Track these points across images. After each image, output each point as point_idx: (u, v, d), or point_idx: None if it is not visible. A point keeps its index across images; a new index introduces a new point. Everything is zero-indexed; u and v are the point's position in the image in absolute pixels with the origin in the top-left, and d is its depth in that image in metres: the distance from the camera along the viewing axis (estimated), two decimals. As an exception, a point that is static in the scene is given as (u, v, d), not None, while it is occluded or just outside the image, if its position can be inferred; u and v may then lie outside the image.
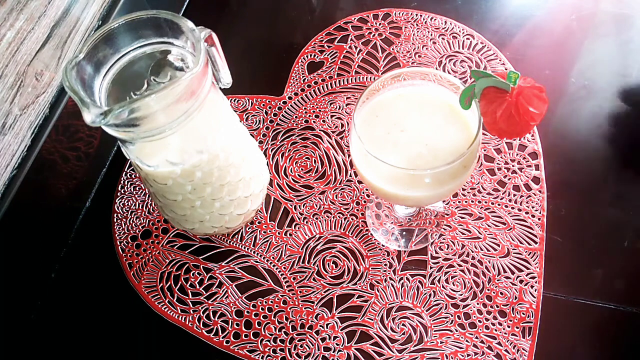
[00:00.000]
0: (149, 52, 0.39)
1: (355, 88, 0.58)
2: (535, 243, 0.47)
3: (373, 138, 0.38)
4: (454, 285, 0.46)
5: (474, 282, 0.46)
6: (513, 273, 0.46)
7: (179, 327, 0.47)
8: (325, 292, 0.47)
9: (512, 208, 0.49)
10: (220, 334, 0.46)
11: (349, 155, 0.54)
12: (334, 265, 0.48)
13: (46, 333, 0.49)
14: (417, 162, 0.37)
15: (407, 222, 0.49)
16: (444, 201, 0.49)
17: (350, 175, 0.52)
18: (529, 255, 0.46)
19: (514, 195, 0.49)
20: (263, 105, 0.58)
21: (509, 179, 0.50)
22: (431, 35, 0.60)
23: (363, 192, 0.51)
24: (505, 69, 0.52)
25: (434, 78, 0.39)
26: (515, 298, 0.44)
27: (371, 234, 0.49)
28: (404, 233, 0.49)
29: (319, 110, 0.57)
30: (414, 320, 0.45)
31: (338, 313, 0.46)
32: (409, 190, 0.36)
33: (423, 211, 0.49)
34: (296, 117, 0.57)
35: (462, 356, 0.43)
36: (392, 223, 0.49)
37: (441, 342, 0.44)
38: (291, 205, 0.52)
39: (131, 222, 0.53)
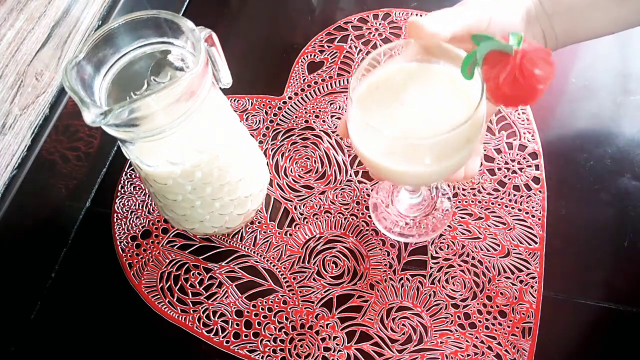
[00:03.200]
0: (149, 52, 0.39)
1: (355, 88, 0.58)
2: (535, 243, 0.47)
3: (371, 112, 0.36)
4: (454, 285, 0.46)
5: (474, 282, 0.46)
6: (513, 273, 0.46)
7: (179, 327, 0.47)
8: (325, 292, 0.47)
9: (512, 208, 0.49)
10: (220, 334, 0.46)
11: (350, 155, 0.54)
12: (334, 265, 0.48)
13: (46, 333, 0.49)
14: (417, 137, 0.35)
15: (413, 215, 0.49)
16: (449, 199, 0.49)
17: (350, 175, 0.52)
18: (529, 255, 0.46)
19: (514, 195, 0.49)
20: (263, 105, 0.58)
21: (509, 179, 0.50)
22: (431, 35, 0.60)
23: (363, 192, 0.51)
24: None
25: (436, 50, 0.36)
26: (515, 298, 0.44)
27: (373, 223, 0.49)
28: (409, 225, 0.48)
29: (319, 110, 0.57)
30: (414, 320, 0.45)
31: (338, 313, 0.46)
32: (409, 165, 0.35)
33: (430, 206, 0.49)
34: (296, 117, 0.57)
35: (462, 356, 0.43)
36: (396, 215, 0.49)
37: (441, 342, 0.44)
38: (291, 205, 0.52)
39: (131, 222, 0.53)
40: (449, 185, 0.50)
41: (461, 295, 0.45)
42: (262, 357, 0.45)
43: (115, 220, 0.53)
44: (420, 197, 0.49)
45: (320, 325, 0.45)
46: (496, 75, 0.31)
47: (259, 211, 0.52)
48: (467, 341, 0.43)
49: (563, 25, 0.39)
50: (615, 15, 0.38)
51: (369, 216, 0.50)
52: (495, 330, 0.44)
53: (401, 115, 0.35)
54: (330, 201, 0.51)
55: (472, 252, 0.47)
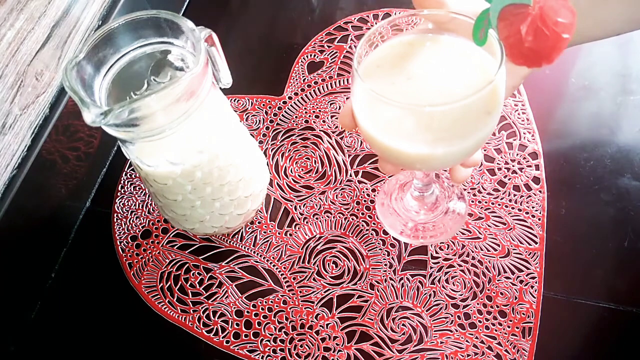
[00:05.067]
0: (149, 52, 0.39)
1: (355, 88, 0.58)
2: (535, 243, 0.47)
3: (377, 88, 0.32)
4: (454, 285, 0.46)
5: (474, 282, 0.46)
6: (513, 273, 0.46)
7: (179, 327, 0.47)
8: (325, 292, 0.47)
9: (512, 208, 0.49)
10: (220, 334, 0.46)
11: (350, 155, 0.54)
12: (334, 265, 0.48)
13: (46, 333, 0.49)
14: None
15: (423, 217, 0.48)
16: (463, 201, 0.49)
17: (350, 175, 0.52)
18: (529, 255, 0.46)
19: (514, 195, 0.49)
20: (263, 105, 0.58)
21: (509, 179, 0.50)
22: (431, 35, 0.60)
23: (363, 192, 0.51)
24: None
25: (442, 22, 0.33)
26: (516, 298, 0.44)
27: (380, 223, 0.49)
28: (417, 227, 0.48)
29: (319, 111, 0.57)
30: (414, 321, 0.45)
31: (338, 313, 0.46)
32: (422, 145, 0.31)
33: (442, 208, 0.49)
34: (296, 117, 0.57)
35: (462, 356, 0.43)
36: (405, 215, 0.48)
37: (441, 342, 0.44)
38: (291, 205, 0.52)
39: (131, 222, 0.53)
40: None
41: (461, 295, 0.45)
42: (262, 357, 0.45)
43: (115, 220, 0.53)
44: (433, 195, 0.48)
45: (320, 325, 0.45)
46: (517, 30, 0.28)
47: (259, 211, 0.52)
48: (467, 341, 0.43)
49: None
50: (622, 16, 0.37)
51: (369, 216, 0.50)
52: (495, 330, 0.44)
53: (410, 90, 0.32)
54: (331, 201, 0.51)
55: (472, 252, 0.47)
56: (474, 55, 0.32)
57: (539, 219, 0.48)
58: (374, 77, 0.34)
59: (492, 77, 0.29)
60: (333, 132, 0.55)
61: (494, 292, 0.45)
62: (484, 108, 0.30)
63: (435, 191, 0.48)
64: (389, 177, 0.52)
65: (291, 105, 0.58)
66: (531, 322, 0.43)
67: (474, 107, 0.29)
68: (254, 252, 0.50)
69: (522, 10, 0.28)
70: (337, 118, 0.56)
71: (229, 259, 0.50)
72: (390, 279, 0.47)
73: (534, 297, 0.44)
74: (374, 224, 0.50)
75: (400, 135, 0.32)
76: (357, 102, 0.33)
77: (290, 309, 0.46)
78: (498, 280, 0.45)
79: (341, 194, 0.52)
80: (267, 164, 0.53)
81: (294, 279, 0.48)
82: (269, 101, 0.58)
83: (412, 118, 0.31)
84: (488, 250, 0.47)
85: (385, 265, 0.47)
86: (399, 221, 0.49)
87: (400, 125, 0.31)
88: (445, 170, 0.50)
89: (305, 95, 0.58)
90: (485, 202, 0.49)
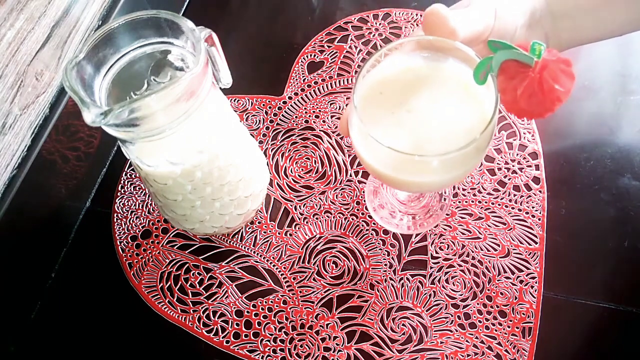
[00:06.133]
0: (149, 52, 0.39)
1: (355, 88, 0.58)
2: (535, 243, 0.47)
3: (376, 118, 0.33)
4: (454, 285, 0.46)
5: (474, 282, 0.46)
6: (513, 273, 0.46)
7: (179, 327, 0.47)
8: (325, 292, 0.47)
9: (512, 208, 0.49)
10: (220, 334, 0.46)
11: (349, 155, 0.54)
12: (334, 265, 0.48)
13: (46, 333, 0.49)
14: (425, 146, 0.33)
15: (411, 204, 0.49)
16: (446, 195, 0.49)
17: (350, 175, 0.52)
18: (529, 255, 0.46)
19: (514, 195, 0.49)
20: (263, 105, 0.58)
21: (509, 179, 0.50)
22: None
23: (363, 192, 0.51)
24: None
25: (447, 49, 0.34)
26: (515, 298, 0.44)
27: (369, 215, 0.49)
28: (407, 216, 0.48)
29: (319, 111, 0.57)
30: (414, 320, 0.45)
31: (338, 313, 0.46)
32: (415, 176, 0.33)
33: (431, 201, 0.49)
34: (296, 117, 0.57)
35: (462, 356, 0.43)
36: (393, 204, 0.49)
37: (441, 342, 0.44)
38: (291, 205, 0.52)
39: (131, 222, 0.53)
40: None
41: (461, 295, 0.45)
42: (262, 357, 0.45)
43: (115, 220, 0.53)
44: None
45: (320, 325, 0.45)
46: (513, 88, 0.29)
47: (259, 211, 0.52)
48: (467, 341, 0.43)
49: (568, 26, 0.37)
50: (624, 16, 0.37)
51: (369, 216, 0.50)
52: (495, 330, 0.44)
53: (408, 123, 0.33)
54: (330, 201, 0.51)
55: (472, 252, 0.47)
56: (474, 89, 0.33)
57: (539, 219, 0.48)
58: (375, 102, 0.34)
59: (486, 125, 0.30)
60: (333, 132, 0.55)
61: (494, 292, 0.45)
62: (476, 149, 0.31)
63: None
64: None
65: (291, 105, 0.58)
66: (531, 322, 0.43)
67: (465, 151, 0.30)
68: (254, 252, 0.50)
69: (522, 70, 0.29)
70: (337, 118, 0.56)
71: (229, 259, 0.50)
72: (390, 279, 0.47)
73: (534, 297, 0.44)
74: (374, 224, 0.50)
75: (392, 167, 0.33)
76: (353, 130, 0.34)
77: (290, 309, 0.46)
78: (498, 280, 0.45)
79: (341, 194, 0.52)
80: (267, 164, 0.53)
81: (294, 279, 0.48)
82: (269, 101, 0.58)
83: (405, 158, 0.31)
84: (488, 250, 0.47)
85: (385, 265, 0.47)
86: (387, 209, 0.49)
87: (391, 160, 0.32)
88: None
89: (305, 95, 0.58)
90: (485, 202, 0.49)
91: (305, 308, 0.46)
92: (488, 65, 0.30)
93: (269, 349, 0.45)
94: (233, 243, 0.50)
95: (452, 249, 0.47)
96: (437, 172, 0.32)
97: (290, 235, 0.50)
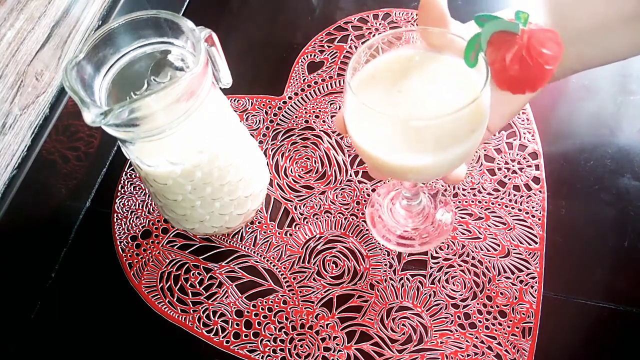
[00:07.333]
0: (149, 52, 0.39)
1: (355, 88, 0.58)
2: (535, 243, 0.47)
3: (369, 101, 0.33)
4: (454, 285, 0.46)
5: (474, 282, 0.46)
6: (513, 273, 0.46)
7: (179, 327, 0.47)
8: (325, 292, 0.47)
9: (512, 208, 0.49)
10: (220, 334, 0.46)
11: (350, 155, 0.54)
12: (334, 265, 0.48)
13: (46, 333, 0.49)
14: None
15: (412, 225, 0.49)
16: (451, 212, 0.49)
17: (350, 175, 0.52)
18: (529, 255, 0.46)
19: (514, 195, 0.49)
20: (263, 105, 0.58)
21: (509, 179, 0.50)
22: (431, 35, 0.60)
23: (363, 192, 0.51)
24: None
25: (440, 41, 0.34)
26: (515, 298, 0.44)
27: (371, 234, 0.49)
28: (405, 237, 0.48)
29: (319, 111, 0.57)
30: (414, 321, 0.45)
31: (338, 313, 0.46)
32: (408, 155, 0.33)
33: (430, 217, 0.49)
34: (296, 117, 0.57)
35: (462, 356, 0.43)
36: (393, 224, 0.49)
37: (441, 342, 0.44)
38: (291, 205, 0.52)
39: (131, 222, 0.53)
40: (449, 187, 0.50)
41: (461, 295, 0.45)
42: (262, 357, 0.45)
43: (115, 220, 0.53)
44: (420, 205, 0.49)
45: (320, 325, 0.45)
46: (502, 57, 0.29)
47: (259, 211, 0.52)
48: (467, 341, 0.43)
49: (572, 53, 0.35)
50: (629, 40, 0.35)
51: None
52: (495, 330, 0.44)
53: (402, 105, 0.34)
54: (331, 201, 0.51)
55: (472, 252, 0.47)
56: (466, 75, 0.33)
57: (539, 219, 0.48)
58: (367, 87, 0.35)
59: (477, 94, 0.30)
60: (333, 132, 0.55)
61: (494, 292, 0.45)
62: (469, 126, 0.32)
63: (424, 201, 0.49)
64: (385, 182, 0.52)
65: (291, 105, 0.58)
66: (531, 322, 0.43)
67: (459, 123, 0.31)
68: (254, 252, 0.50)
69: (509, 38, 0.29)
70: (337, 118, 0.56)
71: (229, 259, 0.50)
72: (390, 279, 0.47)
73: (534, 297, 0.44)
74: (371, 234, 0.49)
75: (386, 146, 0.33)
76: (348, 113, 0.34)
77: (290, 309, 0.46)
78: (498, 280, 0.45)
79: (341, 194, 0.52)
80: (267, 164, 0.53)
81: (294, 279, 0.48)
82: (269, 101, 0.58)
83: (399, 128, 0.32)
84: (488, 250, 0.47)
85: (385, 265, 0.47)
86: (387, 228, 0.49)
87: (387, 135, 0.32)
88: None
89: (305, 95, 0.58)
90: (485, 202, 0.49)
91: (305, 308, 0.46)
92: (477, 43, 0.30)
93: (269, 349, 0.45)
94: (233, 243, 0.50)
95: (452, 249, 0.47)
96: (430, 150, 0.32)
97: (290, 235, 0.50)
